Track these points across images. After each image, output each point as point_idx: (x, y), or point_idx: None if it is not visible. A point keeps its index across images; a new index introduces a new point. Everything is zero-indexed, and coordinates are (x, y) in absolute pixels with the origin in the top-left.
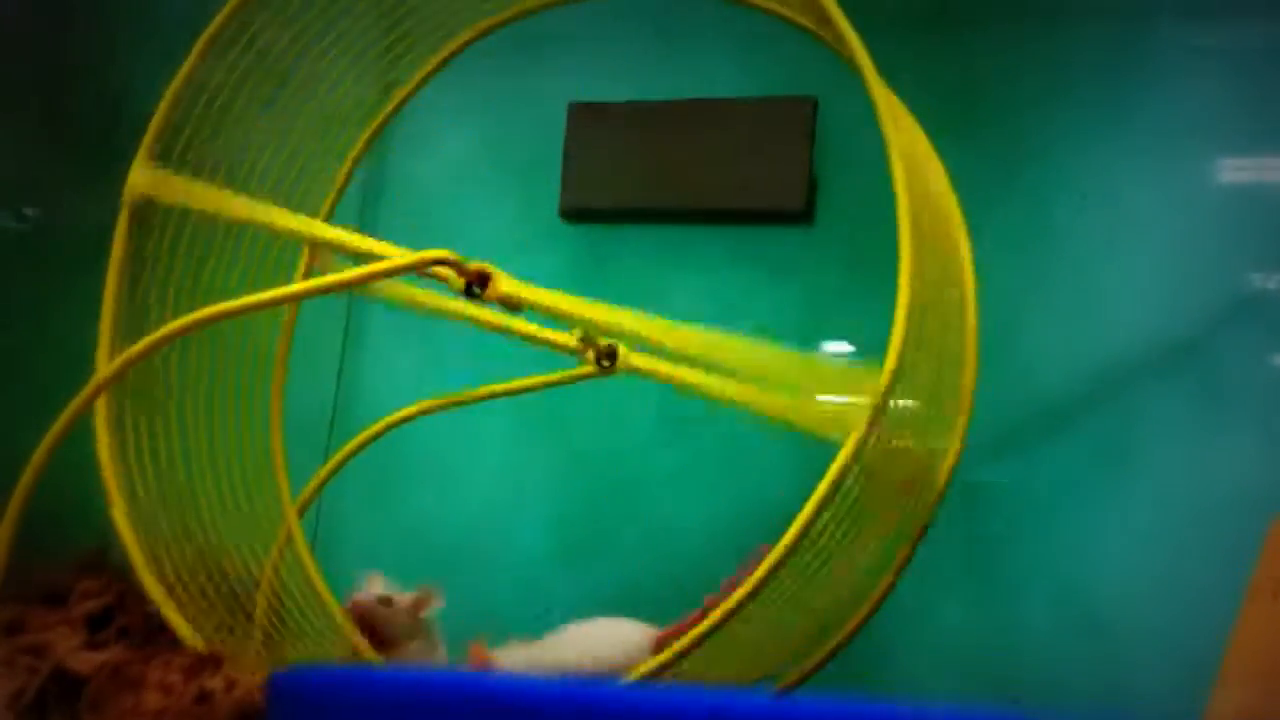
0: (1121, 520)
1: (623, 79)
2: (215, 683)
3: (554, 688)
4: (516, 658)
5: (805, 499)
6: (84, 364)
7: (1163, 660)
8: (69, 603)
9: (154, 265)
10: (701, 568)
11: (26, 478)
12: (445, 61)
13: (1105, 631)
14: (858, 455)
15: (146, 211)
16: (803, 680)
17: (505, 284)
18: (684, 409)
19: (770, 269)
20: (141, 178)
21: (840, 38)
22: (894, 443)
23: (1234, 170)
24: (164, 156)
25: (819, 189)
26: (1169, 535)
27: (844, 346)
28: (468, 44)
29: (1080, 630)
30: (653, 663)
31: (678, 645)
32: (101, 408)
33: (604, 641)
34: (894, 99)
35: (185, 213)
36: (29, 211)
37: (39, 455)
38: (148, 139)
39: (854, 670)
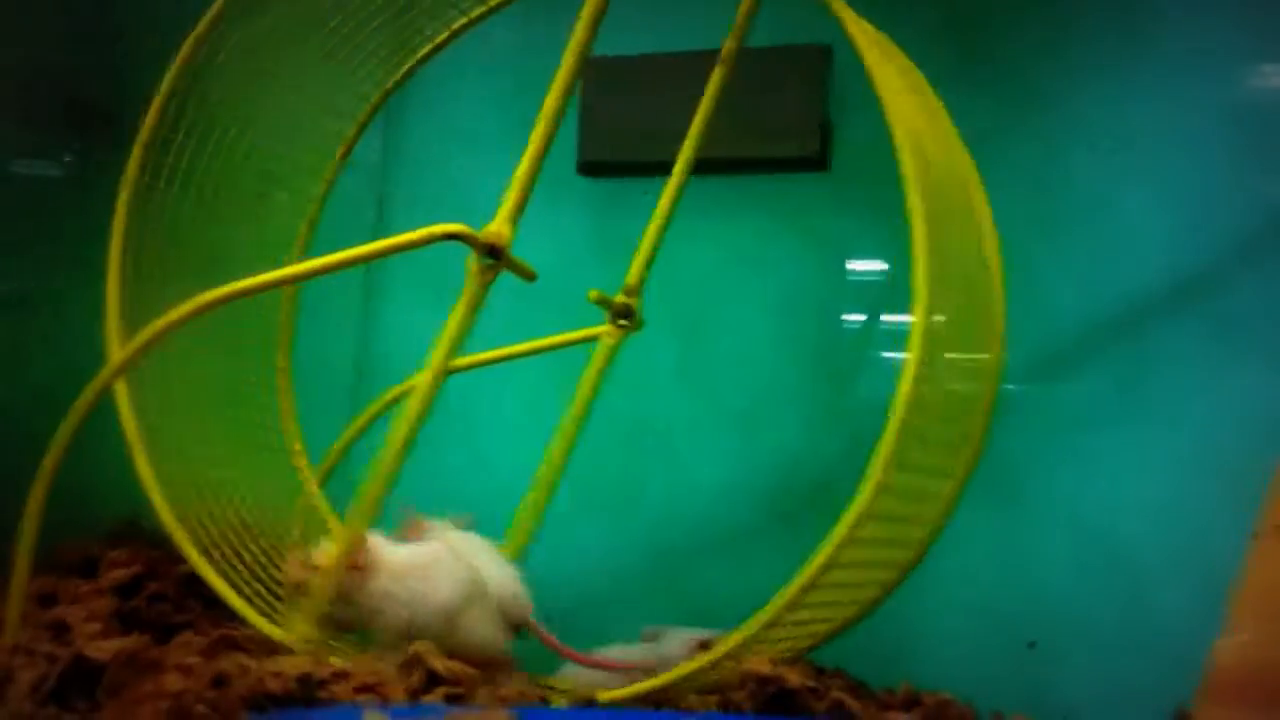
0: (1137, 452)
1: (636, 32)
2: (231, 667)
3: None
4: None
5: (824, 445)
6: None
7: (1180, 594)
8: (99, 572)
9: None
10: (725, 519)
11: (53, 451)
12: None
13: (1121, 562)
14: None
15: None
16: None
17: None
18: (704, 363)
19: (787, 216)
20: None
21: None
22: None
23: (1246, 105)
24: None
25: (833, 135)
26: (1184, 469)
27: (862, 288)
28: (472, 23)
29: (1096, 561)
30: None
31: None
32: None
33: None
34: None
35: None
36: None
37: (63, 432)
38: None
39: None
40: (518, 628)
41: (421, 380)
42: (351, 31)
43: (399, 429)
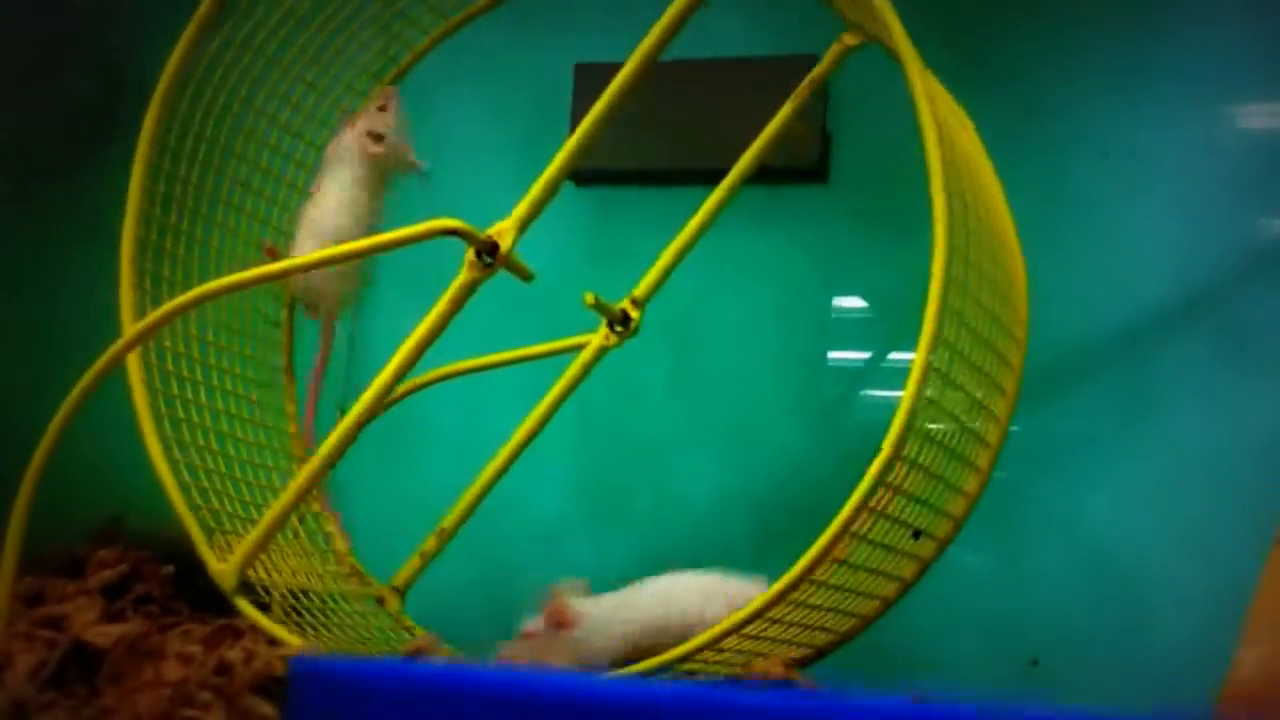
0: (1141, 471)
1: (630, 40)
2: (235, 654)
3: (572, 682)
4: (601, 607)
5: (818, 462)
6: (95, 329)
7: (1183, 613)
8: (86, 573)
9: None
10: (715, 531)
11: (43, 448)
12: (444, 36)
13: (1125, 584)
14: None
15: None
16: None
17: (508, 234)
18: (696, 373)
19: (785, 228)
20: None
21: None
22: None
23: (1256, 117)
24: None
25: (832, 146)
26: (1189, 487)
27: (859, 303)
28: (469, 19)
29: (1100, 583)
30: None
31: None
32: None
33: (690, 596)
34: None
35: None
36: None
37: (53, 429)
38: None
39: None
40: None
41: (383, 373)
42: (341, 36)
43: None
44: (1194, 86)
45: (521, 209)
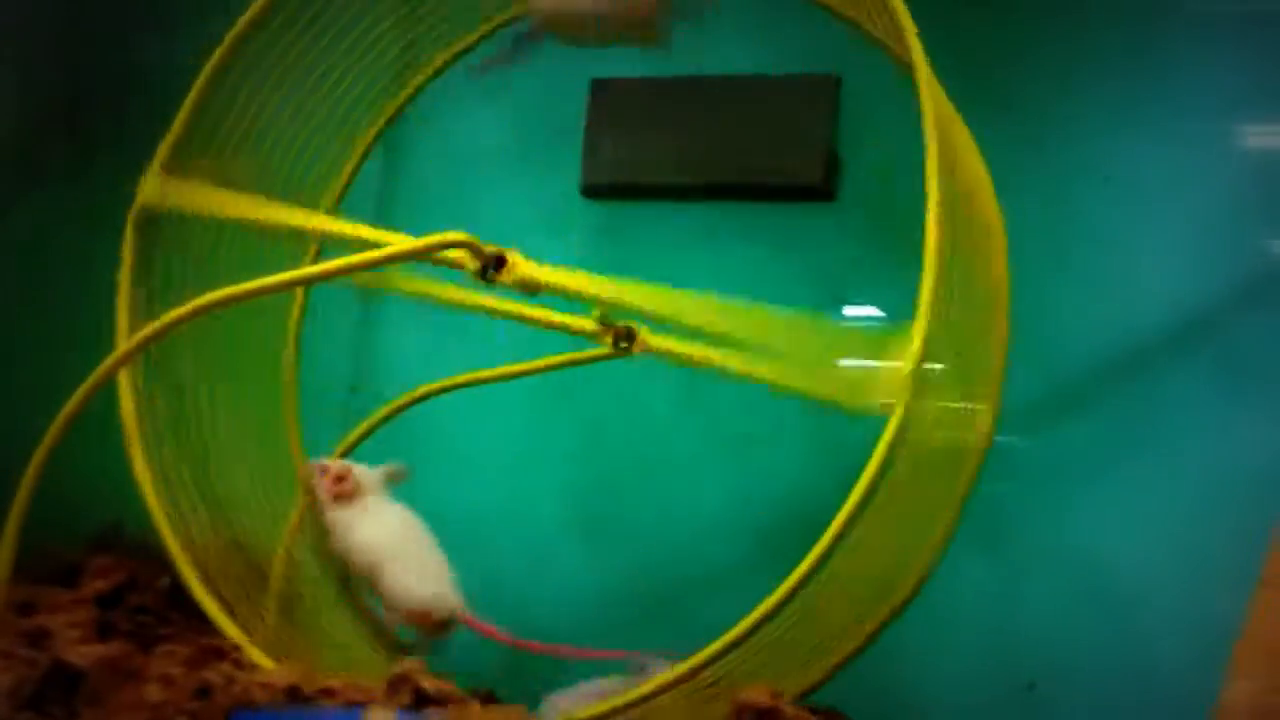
0: (1139, 497)
1: (644, 55)
2: (215, 677)
3: None
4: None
5: (822, 479)
6: (95, 344)
7: (1179, 639)
8: (80, 581)
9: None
10: (718, 547)
11: (39, 455)
12: (460, 55)
13: (1123, 608)
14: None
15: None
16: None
17: (522, 267)
18: (701, 388)
19: (792, 246)
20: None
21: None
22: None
23: (1257, 143)
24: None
25: (841, 166)
26: (1188, 512)
27: (867, 313)
28: (484, 38)
29: (1097, 607)
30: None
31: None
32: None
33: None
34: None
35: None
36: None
37: (50, 435)
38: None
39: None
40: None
41: None
42: (356, 53)
43: None
44: (1196, 113)
45: (548, 275)
